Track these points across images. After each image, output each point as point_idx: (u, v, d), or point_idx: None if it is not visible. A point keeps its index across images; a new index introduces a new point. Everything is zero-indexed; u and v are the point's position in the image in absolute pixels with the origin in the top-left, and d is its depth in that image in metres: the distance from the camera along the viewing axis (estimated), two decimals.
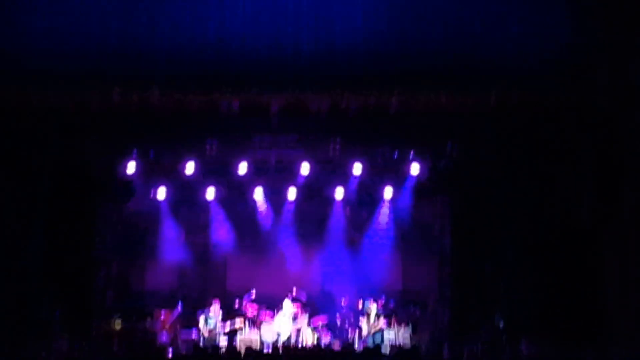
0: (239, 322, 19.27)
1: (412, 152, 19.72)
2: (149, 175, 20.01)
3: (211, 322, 19.14)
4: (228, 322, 19.18)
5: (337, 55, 15.29)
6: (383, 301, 19.85)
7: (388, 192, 20.71)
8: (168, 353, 16.30)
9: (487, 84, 15.65)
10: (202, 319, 19.15)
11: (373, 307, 19.32)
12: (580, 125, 16.20)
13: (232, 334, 19.28)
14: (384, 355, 13.58)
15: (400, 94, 15.87)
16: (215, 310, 19.25)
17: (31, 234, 16.36)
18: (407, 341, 18.84)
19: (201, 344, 18.25)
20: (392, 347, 15.66)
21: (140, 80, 15.46)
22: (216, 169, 20.09)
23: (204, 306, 19.49)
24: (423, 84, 15.65)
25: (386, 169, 20.18)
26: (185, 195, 20.79)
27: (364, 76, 15.44)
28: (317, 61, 15.23)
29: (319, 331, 19.61)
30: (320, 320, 19.85)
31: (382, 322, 19.11)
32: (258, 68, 15.27)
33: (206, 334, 18.93)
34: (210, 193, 20.79)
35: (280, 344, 18.49)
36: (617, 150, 15.88)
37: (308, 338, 19.13)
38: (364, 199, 21.10)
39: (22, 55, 15.21)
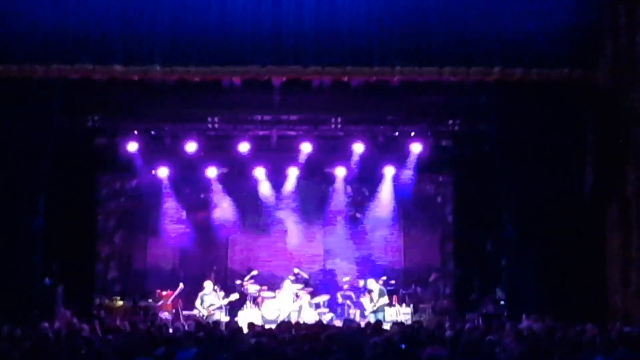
0: (234, 295, 19.33)
1: (413, 130, 19.71)
2: (151, 153, 20.02)
3: (207, 300, 19.15)
4: (225, 299, 19.20)
5: (339, 31, 15.24)
6: (384, 279, 19.87)
7: (389, 170, 20.70)
8: (170, 329, 16.33)
9: (489, 60, 15.60)
10: (198, 300, 19.16)
11: (376, 286, 19.33)
12: (583, 102, 16.17)
13: (233, 311, 19.35)
14: (385, 331, 13.54)
15: (401, 70, 15.81)
16: (208, 289, 19.26)
17: (33, 208, 16.34)
18: (408, 319, 18.88)
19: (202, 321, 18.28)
20: (394, 323, 15.65)
21: (142, 56, 15.41)
22: (218, 147, 20.10)
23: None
24: (425, 60, 15.60)
25: (388, 146, 20.17)
26: (187, 172, 20.79)
27: (365, 52, 15.40)
28: (319, 36, 15.19)
29: (320, 309, 19.65)
30: (322, 299, 19.89)
31: (384, 299, 19.14)
32: (259, 43, 15.23)
33: (205, 312, 18.96)
34: (212, 171, 20.80)
35: (281, 321, 18.50)
36: (619, 126, 15.86)
37: (309, 316, 19.17)
38: (366, 177, 21.10)
39: (24, 30, 15.18)
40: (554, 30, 15.38)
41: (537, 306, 15.69)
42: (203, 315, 18.83)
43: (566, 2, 15.41)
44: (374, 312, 18.93)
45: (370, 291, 19.26)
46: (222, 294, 19.36)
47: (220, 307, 19.18)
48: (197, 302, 19.15)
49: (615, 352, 9.17)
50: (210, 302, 19.13)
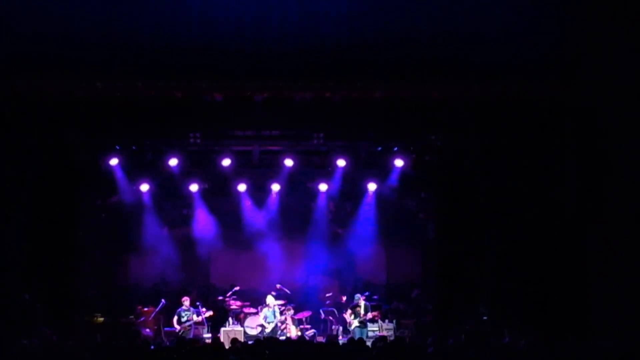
0: (209, 312, 19.20)
1: (396, 145, 19.72)
2: (132, 168, 19.91)
3: (184, 317, 19.00)
4: (201, 316, 19.06)
5: (321, 46, 15.26)
6: (367, 295, 19.82)
7: (372, 185, 20.69)
8: (151, 346, 16.20)
9: (471, 76, 15.66)
10: (175, 318, 18.97)
11: (362, 302, 19.26)
12: (564, 118, 16.25)
13: (216, 328, 19.24)
14: (368, 348, 13.50)
15: (384, 86, 15.85)
16: (186, 306, 19.10)
17: (13, 226, 16.20)
18: (391, 334, 18.83)
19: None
20: (376, 339, 15.63)
21: (124, 72, 15.37)
22: (200, 163, 20.04)
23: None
24: (406, 76, 15.63)
25: (370, 162, 20.17)
26: (169, 188, 20.70)
27: (348, 68, 15.42)
28: (301, 52, 15.20)
29: (302, 325, 19.57)
30: (304, 315, 19.82)
31: (367, 315, 19.09)
32: (241, 59, 15.22)
33: (179, 329, 18.77)
34: (194, 186, 20.73)
35: (264, 337, 18.40)
36: (600, 142, 15.94)
37: (292, 332, 19.09)
38: (348, 192, 21.07)
39: (3, 47, 15.10)
40: (535, 48, 15.46)
41: (519, 322, 15.69)
42: (180, 332, 18.66)
43: (547, 21, 15.49)
44: (356, 328, 18.86)
45: (354, 308, 19.18)
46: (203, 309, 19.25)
47: (200, 324, 19.04)
48: (174, 319, 18.98)
49: None
50: (187, 318, 18.98)
